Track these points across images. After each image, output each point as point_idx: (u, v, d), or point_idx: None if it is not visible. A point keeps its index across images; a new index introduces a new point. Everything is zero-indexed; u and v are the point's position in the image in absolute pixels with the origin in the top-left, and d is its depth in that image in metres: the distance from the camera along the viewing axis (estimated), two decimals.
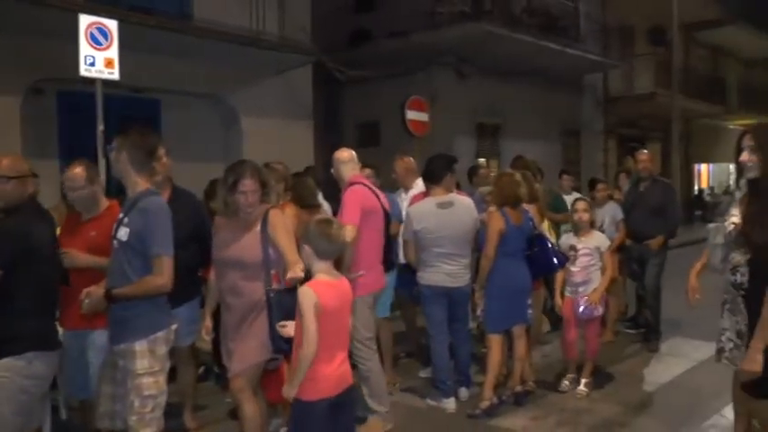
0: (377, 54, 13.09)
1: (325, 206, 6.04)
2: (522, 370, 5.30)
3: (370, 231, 4.63)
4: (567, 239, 5.59)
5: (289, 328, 3.37)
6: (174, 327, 3.54)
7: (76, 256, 3.77)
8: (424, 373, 5.89)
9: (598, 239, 5.59)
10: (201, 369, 5.93)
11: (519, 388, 5.25)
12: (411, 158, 6.45)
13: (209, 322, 4.02)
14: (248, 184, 3.72)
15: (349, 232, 4.30)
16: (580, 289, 5.46)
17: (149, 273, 3.31)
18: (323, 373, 3.14)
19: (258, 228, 3.74)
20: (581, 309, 5.40)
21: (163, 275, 3.30)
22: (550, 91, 15.97)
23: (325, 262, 3.23)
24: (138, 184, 3.43)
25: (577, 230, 5.58)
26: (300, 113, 11.45)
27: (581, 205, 5.62)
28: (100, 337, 3.74)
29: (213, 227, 4.01)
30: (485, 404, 4.98)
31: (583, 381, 5.53)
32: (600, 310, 5.50)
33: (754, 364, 2.91)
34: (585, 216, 5.56)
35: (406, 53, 12.76)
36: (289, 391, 3.17)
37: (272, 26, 9.94)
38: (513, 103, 14.77)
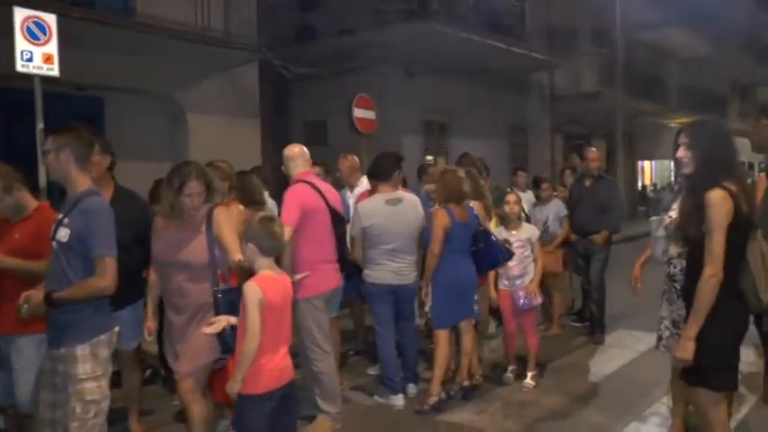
0: (324, 52, 13.03)
1: (272, 204, 6.01)
2: (469, 365, 5.35)
3: (313, 231, 4.60)
4: (500, 233, 5.68)
5: (216, 325, 3.38)
6: (116, 329, 3.46)
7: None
8: (373, 371, 5.90)
9: (528, 230, 5.75)
10: (148, 372, 5.83)
11: (466, 383, 5.30)
12: (355, 157, 6.45)
13: (151, 323, 3.96)
14: (194, 186, 3.69)
15: (286, 232, 4.30)
16: (518, 282, 5.59)
17: (91, 274, 3.21)
18: (266, 367, 3.20)
19: (203, 228, 3.70)
20: (521, 301, 5.53)
21: (106, 277, 3.21)
22: (497, 89, 16.16)
23: (268, 258, 3.28)
24: (79, 183, 3.32)
25: (509, 224, 5.70)
26: (247, 111, 11.33)
27: (512, 198, 5.74)
28: (26, 342, 3.66)
29: (153, 227, 3.94)
30: (432, 399, 5.01)
31: (529, 374, 5.63)
32: (539, 300, 5.67)
33: (686, 353, 3.01)
34: (516, 209, 5.69)
35: (353, 51, 12.73)
36: (232, 387, 3.20)
37: (218, 22, 9.81)
38: (461, 100, 14.89)
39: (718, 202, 2.96)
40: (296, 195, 4.57)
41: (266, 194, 6.12)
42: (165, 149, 10.21)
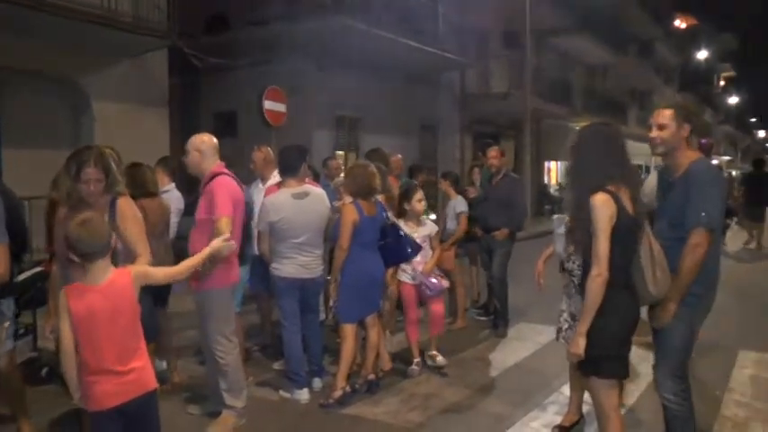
0: (236, 42, 12.83)
1: (177, 196, 5.86)
2: (374, 358, 5.39)
3: (233, 224, 4.50)
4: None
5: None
6: (6, 325, 3.29)
7: None
8: (278, 366, 5.85)
9: (430, 227, 5.89)
10: (45, 370, 5.58)
11: (371, 376, 5.33)
12: (269, 149, 6.38)
13: (54, 320, 3.78)
14: (91, 172, 3.54)
15: (224, 225, 4.24)
16: (420, 276, 5.72)
17: None
18: (99, 383, 2.90)
19: (105, 218, 3.55)
20: (429, 284, 5.68)
21: (1, 264, 3.04)
22: (409, 87, 16.34)
23: (87, 263, 2.90)
24: None
25: (410, 221, 5.77)
26: (156, 100, 11.01)
27: (416, 195, 5.81)
28: None
29: (56, 218, 3.77)
30: (337, 393, 5.02)
31: (437, 357, 5.82)
32: (445, 284, 5.85)
33: (577, 348, 3.19)
34: (419, 206, 5.77)
35: (265, 42, 12.59)
36: (76, 397, 2.96)
37: (126, 6, 9.47)
38: (373, 97, 14.97)
39: (601, 205, 3.13)
40: (226, 187, 4.46)
41: (173, 186, 5.97)
42: (68, 137, 9.80)
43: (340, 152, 14.39)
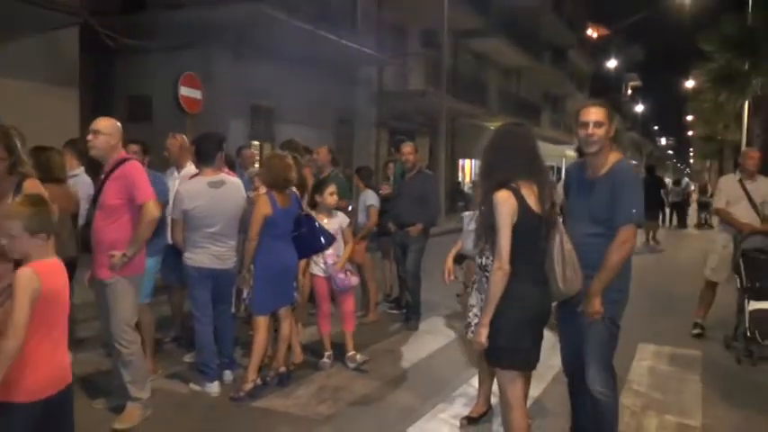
0: (152, 24, 12.42)
1: (87, 181, 5.64)
2: (286, 351, 5.39)
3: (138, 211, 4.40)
4: None
5: None
6: None
7: None
8: (189, 358, 5.76)
9: (340, 219, 5.92)
10: None
11: (283, 369, 5.33)
12: (184, 137, 6.25)
13: None
14: None
15: (153, 207, 4.21)
16: (332, 267, 5.75)
17: None
18: (40, 370, 2.76)
19: (11, 199, 3.40)
20: (339, 281, 5.72)
21: None
22: (326, 80, 16.29)
23: (43, 241, 2.81)
24: None
25: (321, 213, 5.79)
26: (65, 79, 10.49)
27: (329, 189, 5.85)
28: None
29: None
30: (248, 386, 4.99)
31: (356, 356, 5.87)
32: (355, 281, 5.90)
33: (480, 337, 3.32)
34: (330, 199, 5.81)
35: (182, 26, 12.28)
36: None
37: None
38: (289, 87, 14.85)
39: (502, 201, 3.27)
40: (143, 171, 4.44)
41: (82, 170, 5.75)
42: None
43: (255, 142, 14.20)
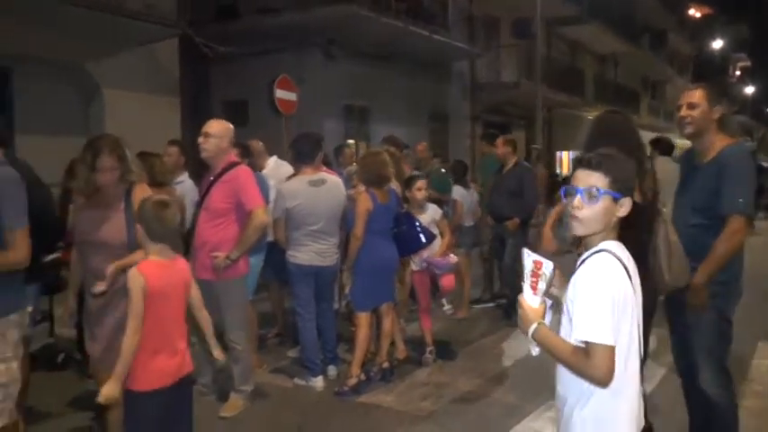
0: (246, 31, 12.78)
1: (190, 185, 5.83)
2: (388, 347, 5.39)
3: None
4: None
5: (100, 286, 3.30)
6: (29, 309, 3.31)
7: None
8: (292, 353, 5.88)
9: (432, 212, 5.83)
10: (61, 356, 5.64)
11: (386, 364, 5.34)
12: (260, 141, 6.41)
13: (71, 305, 3.80)
14: (106, 161, 3.52)
15: (262, 213, 4.40)
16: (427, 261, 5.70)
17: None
18: (157, 363, 3.00)
19: (122, 206, 3.56)
20: (439, 263, 5.66)
21: (16, 250, 3.03)
22: (419, 76, 16.25)
23: (157, 244, 3.08)
24: None
25: (414, 207, 5.73)
26: (167, 89, 11.00)
27: (417, 184, 5.78)
28: None
29: (73, 207, 3.80)
30: (352, 381, 5.03)
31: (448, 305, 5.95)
32: (454, 259, 5.81)
33: None
34: (420, 194, 5.74)
35: (275, 31, 12.55)
36: (112, 387, 2.91)
37: None
38: (382, 86, 14.90)
39: None
40: (252, 177, 4.60)
41: (186, 175, 5.95)
42: (79, 125, 9.81)
43: (350, 141, 14.35)
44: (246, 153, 5.76)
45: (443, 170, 8.04)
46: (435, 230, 5.69)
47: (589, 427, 2.09)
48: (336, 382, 5.23)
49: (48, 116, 9.28)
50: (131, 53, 10.16)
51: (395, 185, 5.49)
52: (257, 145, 6.26)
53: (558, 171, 26.04)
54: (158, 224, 3.03)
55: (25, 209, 3.10)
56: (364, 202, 5.00)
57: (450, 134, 18.89)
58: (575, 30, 24.51)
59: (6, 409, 3.11)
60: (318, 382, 5.16)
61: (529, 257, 2.18)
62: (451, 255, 5.84)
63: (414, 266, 5.77)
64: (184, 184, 5.76)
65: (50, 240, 4.01)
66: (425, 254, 5.68)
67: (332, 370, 5.40)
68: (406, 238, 5.29)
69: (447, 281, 5.86)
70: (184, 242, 4.99)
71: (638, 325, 2.07)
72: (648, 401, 4.67)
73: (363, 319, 5.13)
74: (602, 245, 2.12)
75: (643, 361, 3.32)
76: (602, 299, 1.99)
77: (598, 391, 2.04)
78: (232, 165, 4.55)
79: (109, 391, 2.92)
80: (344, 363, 5.48)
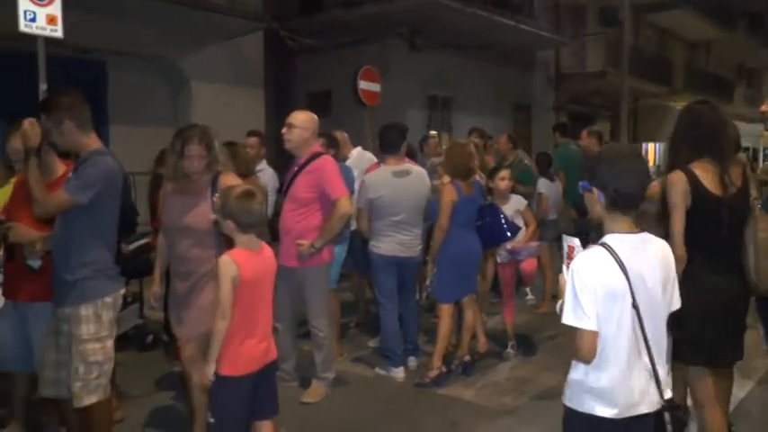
0: (329, 23, 12.89)
1: (271, 174, 5.94)
2: (470, 340, 5.35)
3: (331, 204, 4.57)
4: None
5: None
6: (121, 292, 3.46)
7: (24, 232, 3.57)
8: (373, 343, 5.91)
9: (516, 202, 5.76)
10: (150, 337, 5.85)
11: (467, 357, 5.29)
12: (344, 132, 6.43)
13: (157, 288, 3.94)
14: (194, 149, 3.63)
15: (346, 203, 4.44)
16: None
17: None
18: (246, 349, 3.07)
19: (208, 193, 3.65)
20: (522, 250, 5.59)
21: (54, 198, 3.24)
22: (502, 66, 16.02)
23: (246, 234, 3.14)
24: (89, 144, 3.34)
25: (498, 198, 5.64)
26: (251, 81, 11.26)
27: (502, 174, 5.69)
28: (41, 309, 3.60)
29: (161, 193, 3.92)
30: (433, 373, 5.02)
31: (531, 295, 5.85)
32: (534, 243, 5.77)
33: None
34: (503, 184, 5.67)
35: (357, 23, 12.60)
36: (206, 370, 3.04)
37: None
38: (465, 76, 14.76)
39: (671, 183, 3.12)
40: (336, 167, 4.67)
41: (264, 162, 6.08)
42: (168, 116, 10.17)
43: (433, 132, 14.28)
44: (332, 143, 5.80)
45: (527, 162, 7.89)
46: (520, 221, 5.60)
47: (572, 387, 2.45)
48: (417, 373, 5.23)
49: (138, 107, 9.65)
50: (218, 47, 10.44)
51: (479, 177, 5.43)
52: (341, 135, 6.29)
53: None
54: (246, 215, 3.09)
55: (94, 191, 3.22)
56: (449, 194, 4.96)
57: (534, 125, 18.56)
58: (665, 16, 23.56)
59: (101, 385, 3.28)
60: (399, 372, 5.17)
61: (565, 241, 2.40)
62: (534, 242, 5.77)
63: (498, 259, 5.70)
64: (265, 173, 5.92)
65: (128, 225, 4.16)
66: (509, 245, 5.61)
67: (412, 361, 5.40)
68: (490, 230, 5.23)
69: (528, 265, 5.79)
70: (269, 229, 5.13)
71: (637, 314, 2.23)
72: (740, 406, 4.51)
73: (446, 310, 5.10)
74: (604, 238, 2.32)
75: (732, 361, 3.18)
76: (581, 289, 2.21)
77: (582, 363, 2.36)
78: (316, 155, 4.60)
79: (206, 374, 3.04)
80: (425, 354, 5.47)
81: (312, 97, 14.32)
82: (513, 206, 5.72)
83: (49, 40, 5.73)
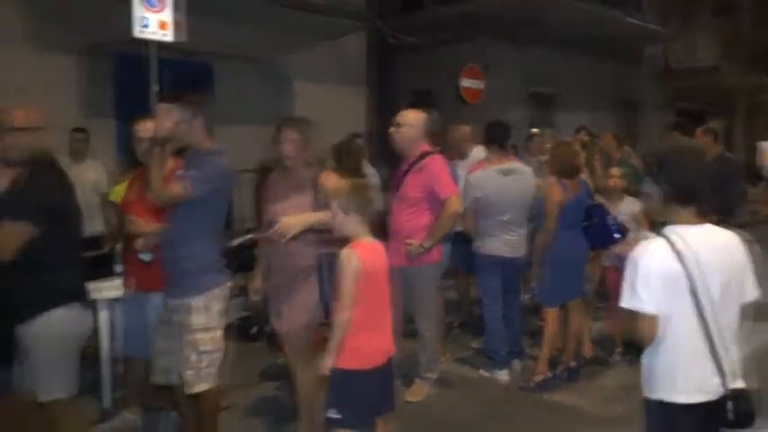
0: (430, 20, 12.87)
1: (372, 171, 5.96)
2: (576, 345, 5.20)
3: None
4: None
5: None
6: (229, 284, 3.55)
7: (144, 225, 3.77)
8: (476, 344, 5.84)
9: (630, 204, 5.53)
10: (254, 329, 6.01)
11: (572, 363, 5.15)
12: (467, 126, 6.32)
13: (258, 282, 4.02)
14: (289, 132, 3.72)
15: (456, 202, 4.40)
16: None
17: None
18: (368, 343, 3.06)
19: (309, 190, 3.71)
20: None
21: (173, 188, 3.35)
22: (607, 61, 15.51)
23: (365, 227, 3.14)
24: (207, 142, 3.48)
25: (611, 197, 5.43)
26: (353, 79, 11.39)
27: (615, 172, 5.48)
28: (154, 300, 3.80)
29: (265, 187, 4.01)
30: (538, 378, 4.93)
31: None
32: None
33: None
34: (618, 183, 5.48)
35: (458, 20, 12.51)
36: (326, 362, 3.02)
37: None
38: (569, 72, 14.37)
39: None
40: (445, 165, 4.63)
41: (365, 162, 6.11)
42: (271, 115, 10.37)
43: (535, 129, 14.00)
44: (439, 141, 5.75)
45: (632, 161, 7.58)
46: (633, 224, 5.38)
47: (643, 374, 2.63)
48: (521, 376, 5.14)
49: (242, 108, 9.93)
50: (321, 46, 10.60)
51: (585, 176, 5.27)
52: (464, 130, 6.15)
53: (758, 163, 23.82)
54: (368, 206, 3.13)
55: (210, 187, 3.31)
56: (556, 194, 4.83)
57: (640, 122, 17.87)
58: None
59: (211, 373, 3.39)
60: (504, 375, 5.10)
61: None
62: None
63: (605, 262, 5.50)
64: (367, 171, 5.91)
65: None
66: (617, 249, 5.39)
67: (516, 364, 5.31)
68: (597, 232, 5.04)
69: None
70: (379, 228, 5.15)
71: (695, 301, 2.31)
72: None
73: (552, 314, 4.98)
74: (664, 229, 2.41)
75: None
76: (640, 275, 2.33)
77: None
78: (425, 154, 4.57)
79: (327, 365, 3.03)
80: (529, 357, 5.36)
81: (414, 95, 14.32)
82: (628, 208, 5.49)
83: (161, 44, 6.00)
